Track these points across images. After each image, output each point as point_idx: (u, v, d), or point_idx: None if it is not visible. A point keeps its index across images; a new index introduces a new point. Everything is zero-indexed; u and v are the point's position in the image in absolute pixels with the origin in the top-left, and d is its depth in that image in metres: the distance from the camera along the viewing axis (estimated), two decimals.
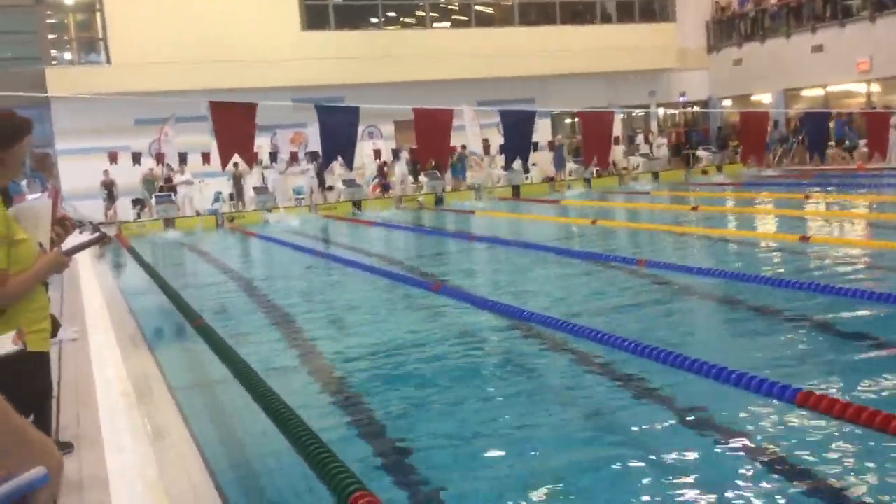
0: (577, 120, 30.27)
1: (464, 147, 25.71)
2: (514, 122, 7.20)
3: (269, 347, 7.31)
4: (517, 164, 21.99)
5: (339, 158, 6.75)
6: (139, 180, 23.62)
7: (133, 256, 15.12)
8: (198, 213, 23.01)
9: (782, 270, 9.22)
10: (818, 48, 27.15)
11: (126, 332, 7.71)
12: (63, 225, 3.23)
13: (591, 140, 8.16)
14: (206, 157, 22.44)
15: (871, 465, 3.92)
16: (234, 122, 5.98)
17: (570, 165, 27.19)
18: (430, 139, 6.88)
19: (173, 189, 23.38)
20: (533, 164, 25.16)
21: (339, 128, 6.29)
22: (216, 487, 3.81)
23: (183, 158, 22.94)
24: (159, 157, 23.16)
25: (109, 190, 23.00)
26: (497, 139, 26.28)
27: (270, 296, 10.17)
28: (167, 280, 10.90)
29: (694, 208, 16.44)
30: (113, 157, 22.75)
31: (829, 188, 18.74)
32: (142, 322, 8.52)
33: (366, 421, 5.15)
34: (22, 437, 1.14)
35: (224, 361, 6.10)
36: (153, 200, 22.97)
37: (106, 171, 22.56)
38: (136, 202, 23.54)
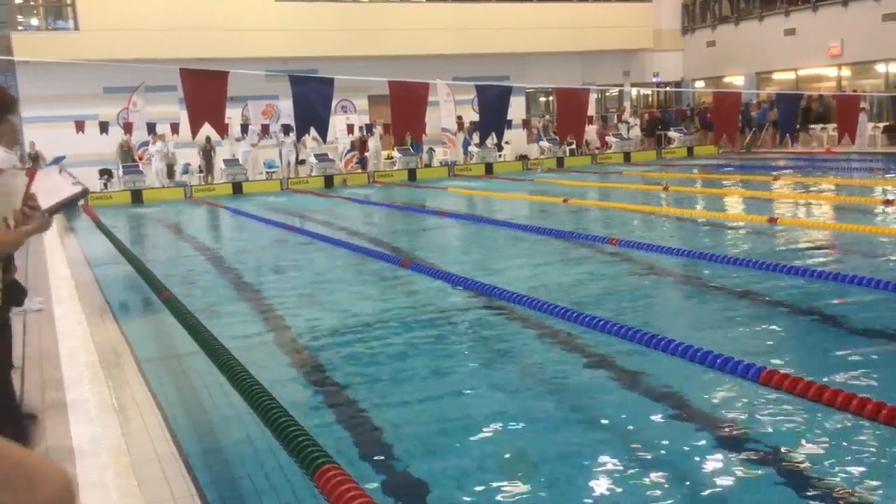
0: (551, 98, 30.32)
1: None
2: (490, 96, 7.16)
3: (238, 320, 7.26)
4: (490, 141, 21.97)
5: (313, 131, 6.68)
6: (115, 149, 23.16)
7: (99, 227, 14.91)
8: (163, 186, 22.70)
9: (750, 251, 9.32)
10: (791, 31, 27.34)
11: (92, 304, 7.62)
12: (31, 203, 3.12)
13: (566, 117, 8.15)
14: (174, 128, 22.12)
15: (832, 442, 3.99)
16: (204, 91, 5.88)
17: (544, 144, 27.21)
18: (405, 113, 6.83)
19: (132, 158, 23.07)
20: (506, 143, 25.14)
21: (312, 99, 6.22)
22: (182, 459, 3.79)
23: (151, 128, 22.61)
24: (127, 127, 22.76)
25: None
26: (471, 116, 26.29)
27: (239, 269, 10.09)
28: (134, 251, 10.78)
29: (665, 188, 16.54)
30: (80, 126, 22.31)
31: (797, 171, 18.95)
32: (108, 293, 8.42)
33: (334, 395, 5.15)
34: (19, 472, 1.07)
35: (191, 334, 6.05)
36: (121, 171, 22.59)
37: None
38: (103, 172, 23.08)
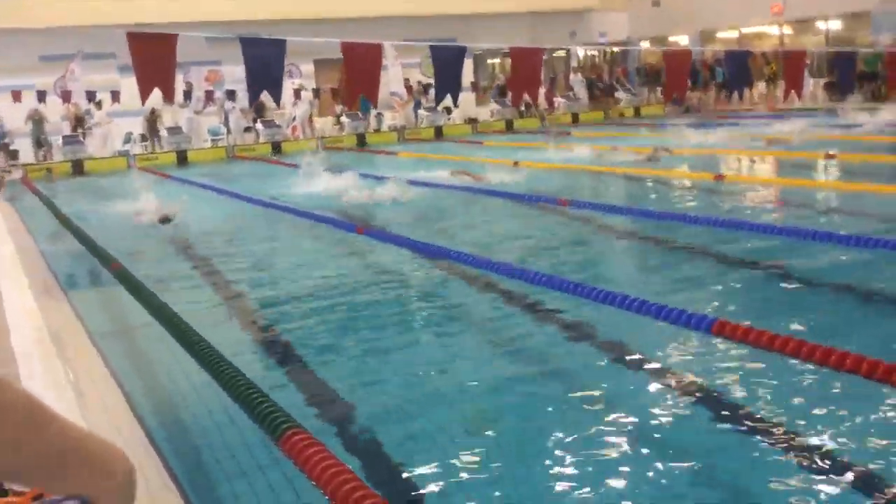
0: (498, 61, 30.24)
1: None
2: (445, 58, 7.09)
3: (191, 291, 7.16)
4: (441, 105, 21.79)
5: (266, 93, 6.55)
6: (25, 120, 21.66)
7: (41, 199, 14.51)
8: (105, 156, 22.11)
9: (698, 208, 9.48)
10: None
11: (39, 278, 7.43)
12: None
13: (519, 78, 8.13)
14: (115, 96, 21.51)
15: (782, 389, 4.12)
16: (153, 55, 5.71)
17: (493, 106, 27.13)
18: (359, 76, 6.72)
19: (81, 126, 22.27)
20: (456, 106, 24.94)
21: (264, 61, 6.08)
22: (145, 433, 3.75)
23: (91, 97, 21.93)
24: (65, 96, 22.07)
25: None
26: (417, 79, 26.07)
27: (190, 239, 9.92)
28: (78, 223, 10.52)
29: (614, 149, 16.63)
30: (17, 96, 21.58)
31: (743, 128, 19.23)
32: (55, 267, 8.22)
33: (291, 360, 5.13)
34: (97, 458, 1.02)
35: (144, 304, 5.95)
36: (60, 141, 21.84)
37: None
38: (39, 144, 22.07)
